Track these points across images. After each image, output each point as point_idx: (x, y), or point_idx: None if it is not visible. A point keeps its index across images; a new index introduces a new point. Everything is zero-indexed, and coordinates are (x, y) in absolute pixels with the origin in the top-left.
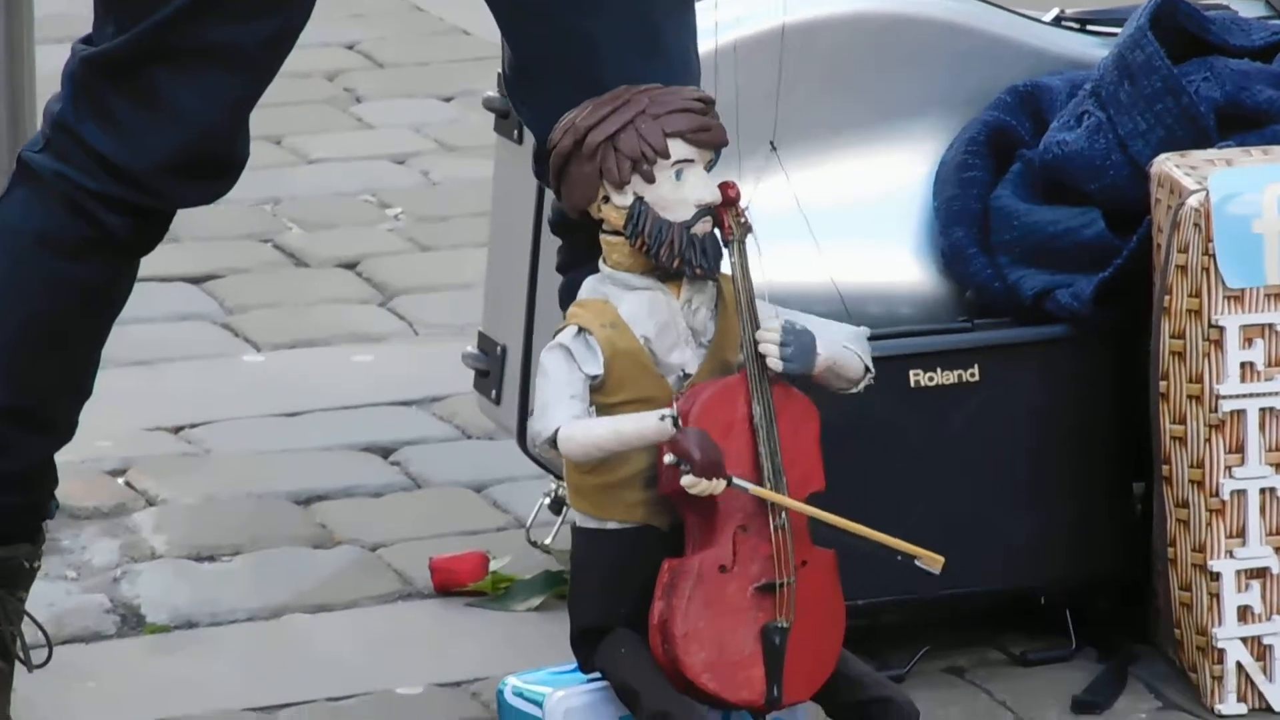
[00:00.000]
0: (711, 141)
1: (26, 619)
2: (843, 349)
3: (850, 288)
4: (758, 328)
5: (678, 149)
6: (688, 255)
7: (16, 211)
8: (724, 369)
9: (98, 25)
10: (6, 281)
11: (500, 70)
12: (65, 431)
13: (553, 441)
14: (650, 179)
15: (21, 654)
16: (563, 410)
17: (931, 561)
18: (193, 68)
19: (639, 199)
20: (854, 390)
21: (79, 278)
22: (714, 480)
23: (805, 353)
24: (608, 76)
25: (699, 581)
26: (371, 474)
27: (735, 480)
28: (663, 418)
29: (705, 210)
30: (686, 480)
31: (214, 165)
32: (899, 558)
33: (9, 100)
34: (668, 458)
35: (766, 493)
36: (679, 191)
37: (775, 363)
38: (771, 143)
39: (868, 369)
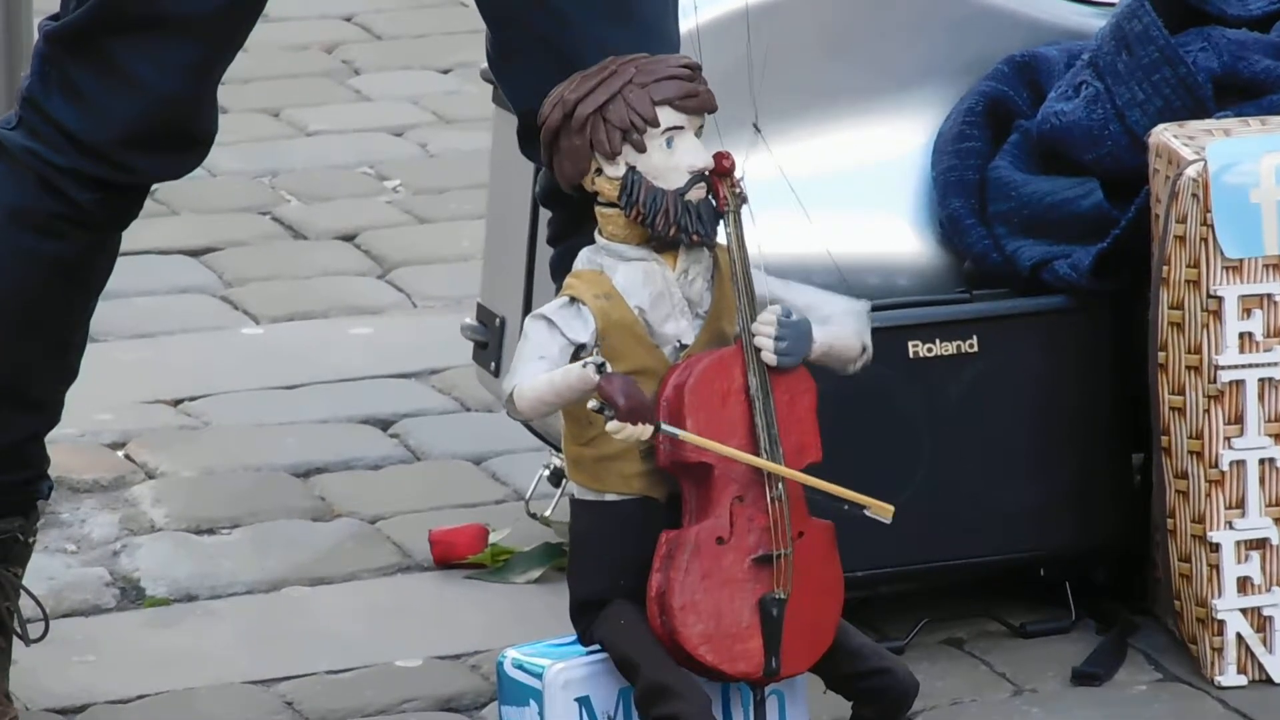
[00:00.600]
0: (700, 107)
1: (24, 594)
2: (838, 334)
3: (848, 258)
4: (753, 298)
5: (667, 116)
6: (683, 222)
7: None
8: (720, 339)
9: (62, 0)
10: None
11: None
12: (51, 410)
13: (514, 401)
14: (641, 148)
15: (19, 629)
16: (526, 370)
17: (881, 510)
18: (148, 37)
19: (631, 169)
20: (851, 370)
21: (53, 254)
22: (639, 425)
23: (800, 343)
24: (580, 47)
25: (696, 553)
26: (370, 446)
27: (664, 426)
28: (585, 365)
29: (699, 176)
30: (611, 426)
31: (176, 137)
32: (846, 507)
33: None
34: (592, 403)
35: (699, 439)
36: (671, 159)
37: (770, 357)
38: (755, 124)
39: (865, 348)
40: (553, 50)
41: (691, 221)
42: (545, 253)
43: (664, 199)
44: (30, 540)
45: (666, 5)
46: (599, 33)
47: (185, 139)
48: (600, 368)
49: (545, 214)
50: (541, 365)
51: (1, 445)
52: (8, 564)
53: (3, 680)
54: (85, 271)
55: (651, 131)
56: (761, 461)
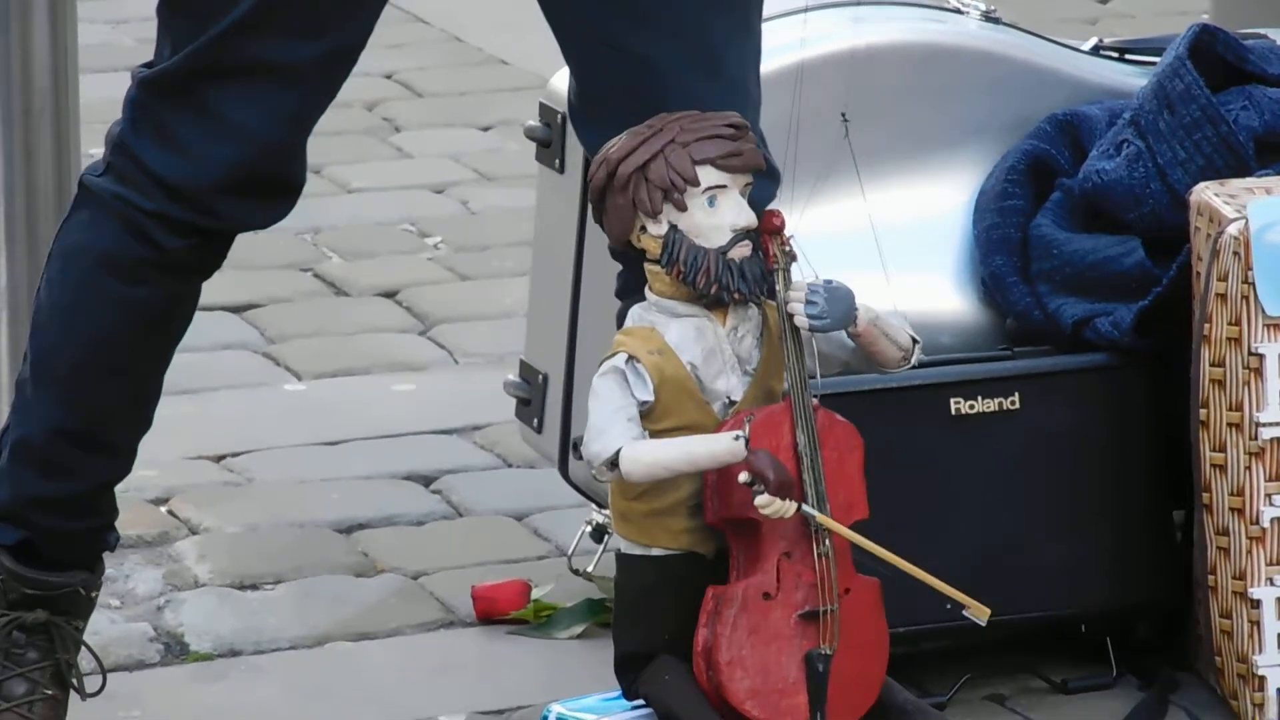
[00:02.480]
0: (744, 166)
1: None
2: (887, 318)
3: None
4: (802, 354)
5: (708, 176)
6: (725, 280)
7: (78, 234)
8: (769, 396)
9: (157, 48)
10: (69, 303)
11: (540, 100)
12: (125, 458)
13: (612, 463)
14: (682, 207)
15: (76, 683)
16: (621, 431)
17: (979, 613)
18: (247, 84)
19: (673, 227)
20: (906, 366)
21: (139, 299)
22: (786, 501)
23: (838, 308)
24: (667, 99)
25: (743, 608)
26: (413, 502)
27: (805, 507)
28: (736, 438)
29: (742, 235)
30: (761, 500)
31: (270, 184)
32: (948, 605)
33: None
34: (743, 477)
35: (834, 524)
36: (713, 218)
37: (802, 320)
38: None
39: (914, 339)
40: (638, 100)
41: (734, 280)
42: (589, 309)
43: (705, 258)
44: (93, 595)
45: (753, 62)
46: (686, 85)
47: (277, 187)
48: (747, 443)
49: (589, 271)
50: (633, 428)
51: (74, 491)
52: (70, 617)
53: None
54: (168, 318)
55: (692, 190)
56: (893, 558)
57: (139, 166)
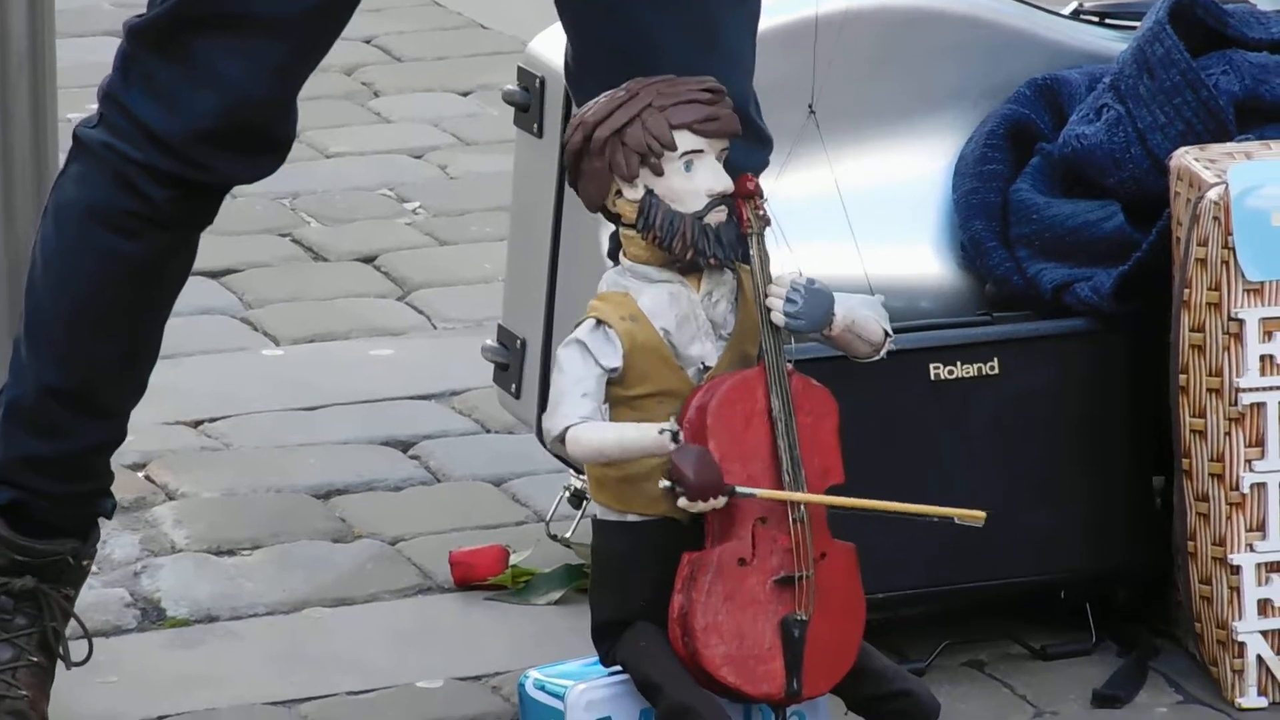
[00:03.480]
0: (720, 131)
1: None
2: (863, 311)
3: (870, 281)
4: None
5: (684, 140)
6: (701, 245)
7: (70, 188)
8: (743, 361)
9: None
10: (60, 257)
11: (519, 65)
12: (117, 422)
13: (562, 439)
14: (659, 172)
15: (62, 650)
16: (573, 408)
17: (971, 518)
18: (233, 35)
19: (649, 192)
20: (876, 357)
21: (127, 253)
22: (711, 500)
23: (816, 310)
24: (658, 64)
25: (718, 574)
26: (391, 468)
27: (739, 489)
28: (661, 431)
29: (718, 200)
30: (682, 503)
31: (255, 138)
32: (936, 521)
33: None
34: (663, 482)
35: (776, 493)
36: (689, 183)
37: (779, 317)
38: (810, 106)
39: (887, 333)
40: (631, 65)
41: (710, 245)
42: (567, 274)
43: (681, 222)
44: (85, 564)
45: (749, 28)
46: (685, 57)
47: (264, 141)
48: (675, 436)
49: (567, 236)
50: (587, 403)
51: (65, 452)
52: (59, 585)
53: (43, 702)
54: (158, 274)
55: (669, 155)
56: (850, 501)
57: (128, 117)
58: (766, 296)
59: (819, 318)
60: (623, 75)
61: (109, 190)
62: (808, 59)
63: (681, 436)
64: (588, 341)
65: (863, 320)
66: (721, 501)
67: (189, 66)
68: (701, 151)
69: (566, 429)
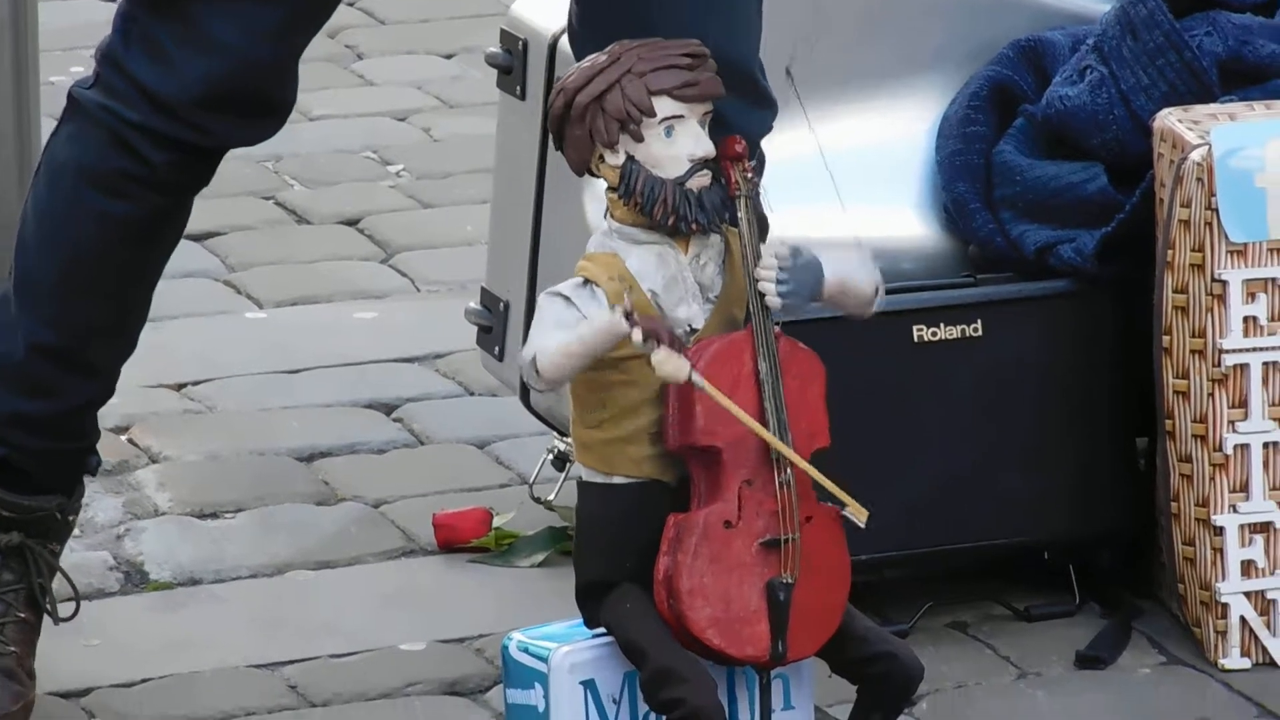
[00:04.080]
0: (701, 95)
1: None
2: (853, 272)
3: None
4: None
5: (664, 106)
6: (682, 211)
7: (64, 147)
8: (731, 324)
9: None
10: (52, 216)
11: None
12: (105, 380)
13: (535, 367)
14: (639, 138)
15: (50, 607)
16: (549, 337)
17: (857, 513)
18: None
19: (630, 158)
20: (866, 313)
21: (120, 214)
22: (681, 359)
23: (806, 284)
24: (666, 29)
25: (704, 537)
26: (374, 431)
27: (694, 376)
28: (613, 309)
29: (700, 165)
30: (659, 355)
31: (251, 102)
32: (829, 502)
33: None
34: (636, 336)
35: (723, 399)
36: (670, 148)
37: (773, 300)
38: (788, 69)
39: (877, 288)
40: (635, 24)
41: (691, 210)
42: (550, 237)
43: (662, 189)
44: (70, 519)
45: None
46: (683, 9)
47: (262, 105)
48: (629, 315)
49: (550, 198)
50: (561, 334)
51: (53, 411)
52: (45, 541)
53: (29, 658)
54: (151, 236)
55: (648, 122)
56: (770, 436)
57: (126, 78)
58: (757, 276)
59: (811, 289)
60: (624, 33)
61: (104, 151)
62: (792, 21)
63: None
64: (572, 296)
65: (853, 281)
66: (685, 367)
67: (187, 30)
68: (682, 117)
69: (535, 354)
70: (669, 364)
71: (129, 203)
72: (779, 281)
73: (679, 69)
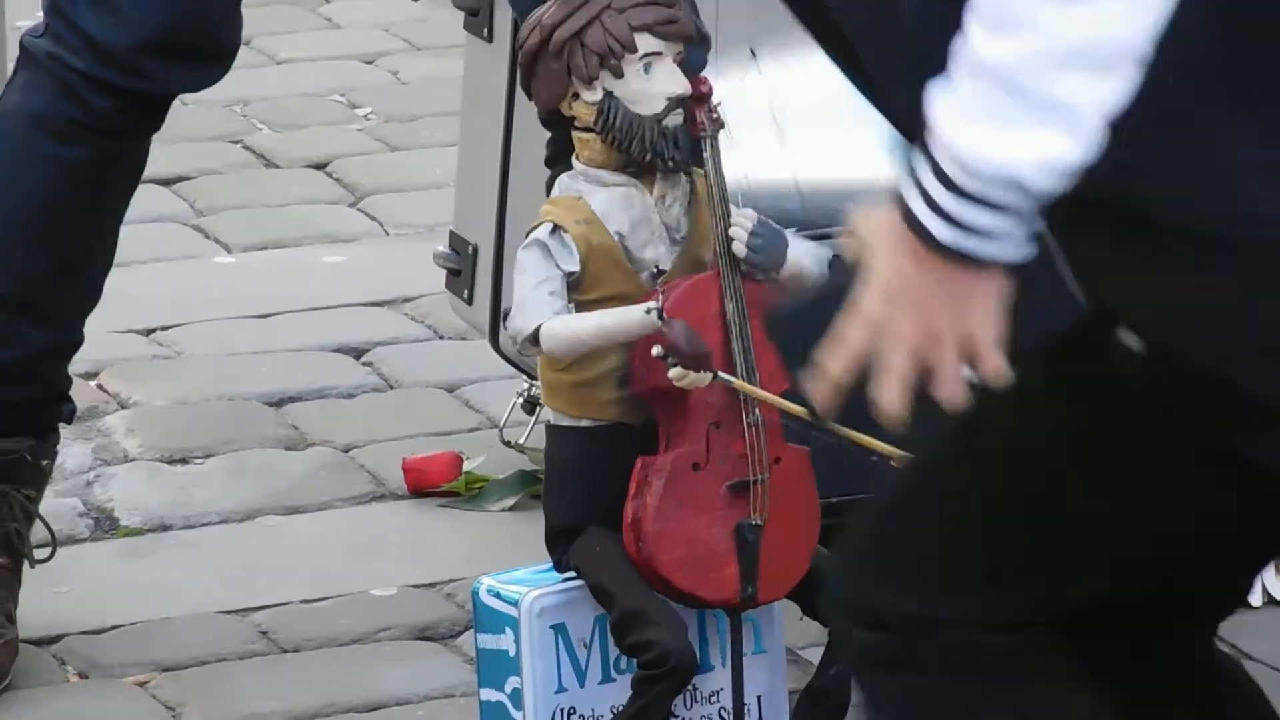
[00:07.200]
0: (679, 33)
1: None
2: (811, 262)
3: (823, 184)
4: (730, 224)
5: (645, 42)
6: (660, 148)
7: (15, 95)
8: (697, 266)
9: None
10: (2, 163)
11: None
12: (64, 328)
13: (534, 339)
14: (619, 74)
15: (26, 551)
16: (543, 306)
17: (897, 458)
18: None
19: (608, 94)
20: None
21: (70, 159)
22: (700, 373)
23: (774, 247)
24: None
25: (672, 479)
26: (343, 375)
27: (721, 374)
28: (648, 311)
29: (676, 102)
30: (674, 373)
31: (198, 47)
32: (874, 458)
33: None
34: (655, 350)
35: (753, 389)
36: (648, 85)
37: (740, 248)
38: (752, 50)
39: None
40: None
41: (668, 147)
42: (518, 180)
43: (640, 124)
44: (45, 464)
45: None
46: None
47: (205, 51)
48: (661, 314)
49: (518, 141)
50: (556, 302)
51: (11, 358)
52: (19, 484)
53: (9, 603)
54: (101, 182)
55: (629, 57)
56: (789, 405)
57: (72, 27)
58: (731, 222)
59: (776, 257)
60: None
61: (52, 98)
62: None
63: (665, 313)
64: (548, 243)
65: (810, 272)
66: (707, 379)
67: None
68: (660, 54)
69: (539, 326)
70: (686, 380)
71: (75, 148)
72: (753, 234)
73: (658, 5)
